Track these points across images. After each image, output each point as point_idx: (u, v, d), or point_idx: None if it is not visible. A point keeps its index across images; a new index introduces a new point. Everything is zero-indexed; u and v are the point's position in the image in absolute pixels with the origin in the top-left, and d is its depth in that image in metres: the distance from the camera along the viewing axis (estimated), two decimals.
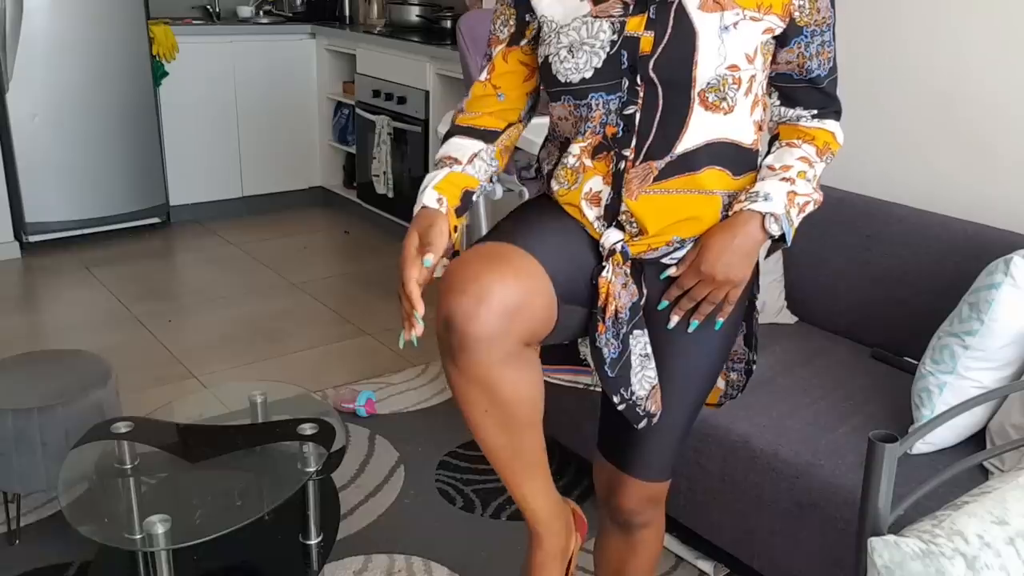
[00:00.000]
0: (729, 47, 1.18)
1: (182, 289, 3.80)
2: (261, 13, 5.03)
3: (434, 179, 1.27)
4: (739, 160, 1.27)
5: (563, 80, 1.22)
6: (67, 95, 3.98)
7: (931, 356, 1.78)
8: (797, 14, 1.23)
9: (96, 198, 4.18)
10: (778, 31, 1.23)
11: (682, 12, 1.17)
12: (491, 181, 1.35)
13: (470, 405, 1.17)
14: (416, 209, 1.25)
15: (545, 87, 1.28)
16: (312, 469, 1.82)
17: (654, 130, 1.21)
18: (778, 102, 1.34)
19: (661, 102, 1.20)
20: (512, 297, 1.12)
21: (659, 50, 1.18)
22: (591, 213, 1.27)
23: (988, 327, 1.68)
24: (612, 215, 1.26)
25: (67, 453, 1.88)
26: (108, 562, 1.88)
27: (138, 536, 1.60)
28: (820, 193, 1.31)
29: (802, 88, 1.32)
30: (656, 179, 1.23)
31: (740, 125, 1.24)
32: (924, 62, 2.25)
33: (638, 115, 1.21)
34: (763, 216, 1.24)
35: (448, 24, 4.20)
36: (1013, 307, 1.67)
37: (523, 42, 1.29)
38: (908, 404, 1.88)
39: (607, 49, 1.19)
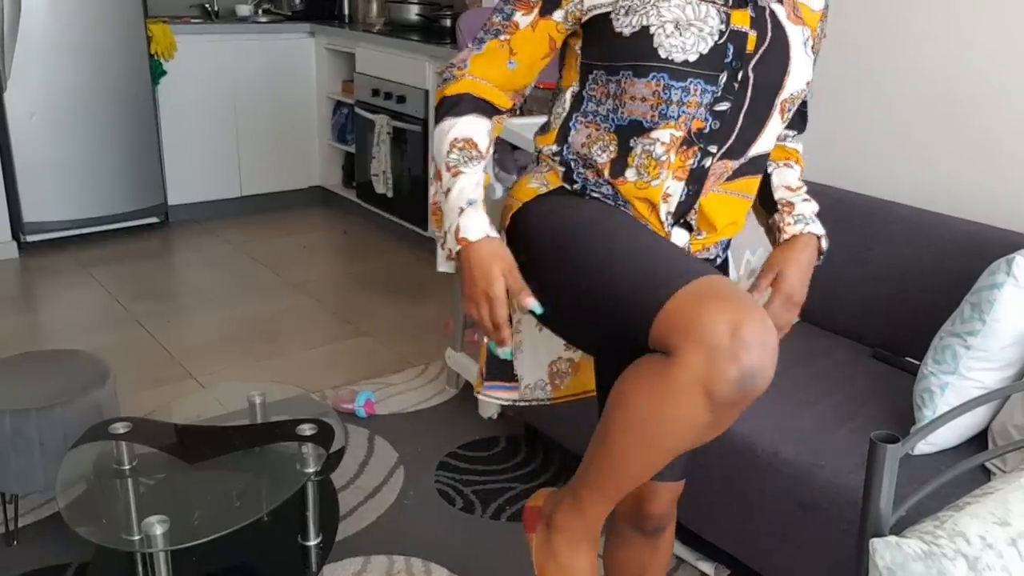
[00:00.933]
0: (807, 62, 1.22)
1: (180, 289, 3.79)
2: (260, 12, 5.02)
3: (475, 189, 1.19)
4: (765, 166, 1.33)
5: (664, 56, 1.14)
6: (65, 94, 3.98)
7: (933, 356, 1.77)
8: (815, 40, 1.26)
9: (94, 198, 4.17)
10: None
11: (775, 19, 1.18)
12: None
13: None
14: (472, 230, 1.17)
15: (629, 60, 1.16)
16: (311, 470, 1.81)
17: (738, 129, 1.20)
18: None
19: (747, 103, 1.19)
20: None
21: (760, 51, 1.17)
22: (663, 209, 1.22)
23: (990, 327, 1.68)
24: (681, 213, 1.23)
25: (65, 454, 1.87)
26: (106, 563, 1.88)
27: (136, 537, 1.59)
28: None
29: (795, 111, 1.36)
30: (729, 179, 1.24)
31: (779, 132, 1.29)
32: (925, 61, 2.25)
33: (728, 113, 1.18)
34: (818, 238, 1.32)
35: (448, 23, 4.19)
36: (1015, 307, 1.66)
37: (556, 13, 1.20)
38: (910, 405, 1.88)
39: (715, 37, 1.14)
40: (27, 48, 3.83)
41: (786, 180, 1.37)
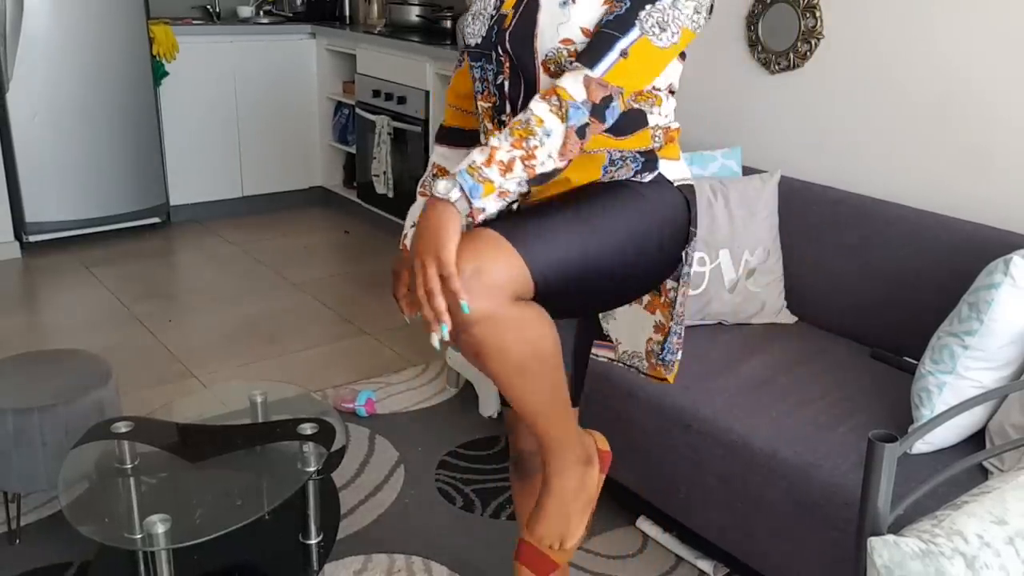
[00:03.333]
0: (567, 23, 1.25)
1: (182, 289, 3.80)
2: (261, 13, 5.03)
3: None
4: (628, 122, 1.34)
5: (467, 43, 1.37)
6: (67, 95, 3.98)
7: (931, 356, 1.78)
8: None
9: (96, 198, 4.18)
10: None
11: None
12: None
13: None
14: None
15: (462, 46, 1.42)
16: (312, 469, 1.82)
17: (521, 97, 1.33)
18: None
19: (520, 72, 1.31)
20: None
21: (511, 25, 1.30)
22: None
23: (988, 327, 1.68)
24: None
25: (67, 453, 1.88)
26: (108, 562, 1.88)
27: (138, 536, 1.60)
28: (538, 141, 1.24)
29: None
30: None
31: None
32: (923, 61, 2.25)
33: (507, 84, 1.34)
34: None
35: (448, 24, 4.20)
36: (1013, 307, 1.67)
37: None
38: (908, 404, 1.88)
39: (488, 22, 1.33)
40: (29, 49, 3.83)
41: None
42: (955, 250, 2.08)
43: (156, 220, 4.46)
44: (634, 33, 1.23)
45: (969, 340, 1.71)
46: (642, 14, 1.23)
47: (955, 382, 1.73)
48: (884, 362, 2.15)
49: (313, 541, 1.93)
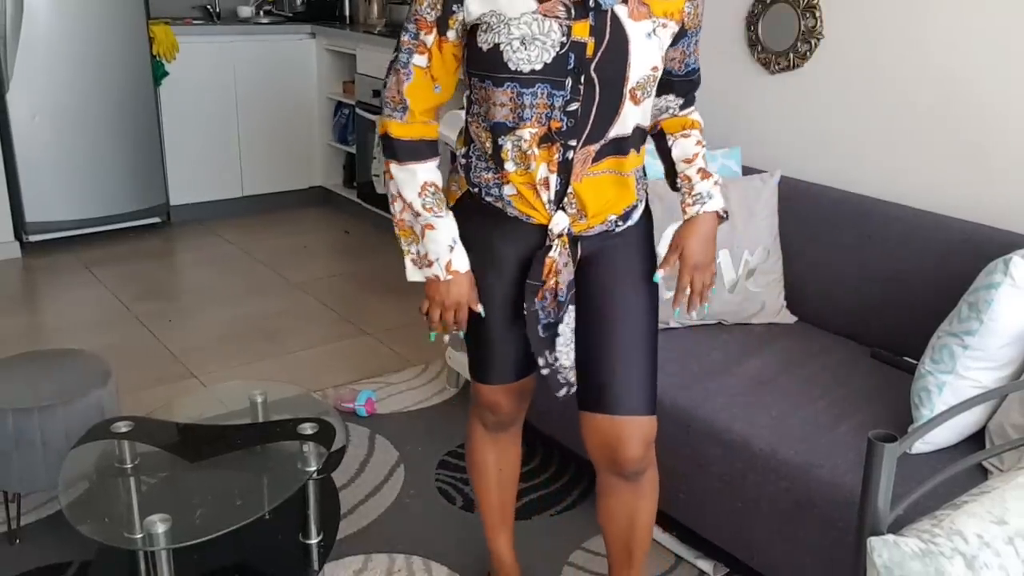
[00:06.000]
0: (653, 51, 1.41)
1: (182, 289, 3.80)
2: (261, 13, 5.03)
3: (454, 229, 1.51)
4: (642, 138, 1.53)
5: (513, 68, 1.38)
6: (67, 95, 3.98)
7: (930, 356, 1.78)
8: (686, 19, 1.47)
9: (96, 198, 4.18)
10: (674, 36, 1.46)
11: (616, 20, 1.37)
12: None
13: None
14: (461, 265, 1.51)
15: (486, 72, 1.41)
16: (312, 468, 1.82)
17: (591, 121, 1.42)
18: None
19: (598, 97, 1.40)
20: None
21: (599, 54, 1.37)
22: (544, 196, 1.46)
23: (987, 327, 1.68)
24: (559, 199, 1.46)
25: (67, 453, 1.88)
26: (108, 562, 1.88)
27: (138, 535, 1.60)
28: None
29: (679, 81, 1.57)
30: (594, 161, 1.45)
31: (646, 112, 1.49)
32: (922, 61, 2.25)
33: (579, 110, 1.40)
34: (717, 212, 1.57)
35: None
36: (1012, 307, 1.67)
37: (449, 33, 1.43)
38: (907, 404, 1.88)
39: (557, 48, 1.36)
40: (29, 49, 3.83)
41: (684, 151, 1.59)
42: (955, 250, 2.08)
43: (156, 220, 4.46)
44: None
45: (969, 340, 1.71)
46: None
47: (955, 382, 1.73)
48: (884, 362, 2.15)
49: (313, 541, 1.93)
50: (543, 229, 1.49)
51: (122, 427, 1.87)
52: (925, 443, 1.75)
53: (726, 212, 1.58)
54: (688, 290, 1.57)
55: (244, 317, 3.47)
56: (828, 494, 1.69)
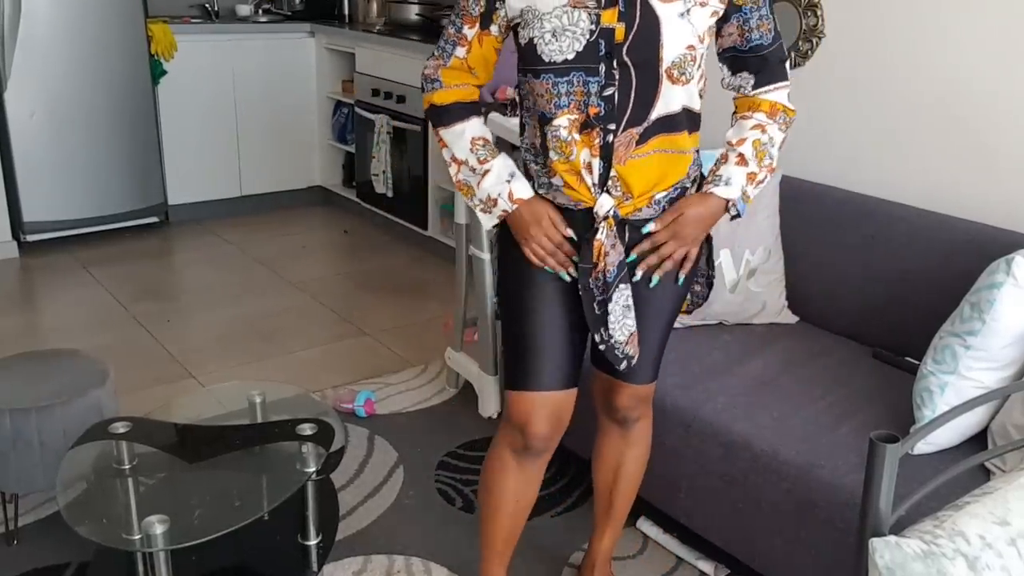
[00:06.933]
0: (686, 31, 1.42)
1: (181, 289, 3.79)
2: (260, 12, 5.02)
3: (509, 166, 1.55)
4: (693, 122, 1.53)
5: (547, 60, 1.44)
6: (65, 94, 3.98)
7: (932, 356, 1.77)
8: None
9: (94, 197, 4.17)
10: (721, 12, 1.48)
11: (646, 4, 1.40)
12: None
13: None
14: (521, 192, 1.54)
15: (527, 66, 1.48)
16: (311, 469, 1.81)
17: (631, 104, 1.44)
18: (728, 71, 1.57)
19: (635, 80, 1.43)
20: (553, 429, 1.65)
21: (630, 38, 1.40)
22: (588, 180, 1.49)
23: (990, 327, 1.68)
24: (603, 182, 1.49)
25: (65, 453, 1.87)
26: (106, 562, 1.88)
27: (136, 536, 1.59)
28: (774, 159, 1.56)
29: (746, 57, 1.54)
30: (638, 143, 1.47)
31: (693, 93, 1.49)
32: (925, 60, 2.25)
33: (616, 95, 1.43)
34: (727, 200, 1.54)
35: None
36: (1015, 307, 1.66)
37: (492, 27, 1.51)
38: (909, 404, 1.88)
39: (587, 36, 1.41)
40: (27, 47, 3.82)
41: (737, 132, 1.57)
42: (957, 250, 2.07)
43: (154, 219, 4.45)
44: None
45: (971, 340, 1.70)
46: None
47: (957, 382, 1.72)
48: (886, 362, 2.14)
49: (312, 542, 1.93)
50: (591, 214, 1.51)
51: (120, 428, 1.87)
52: (927, 444, 1.75)
53: (735, 206, 1.54)
54: (660, 253, 1.55)
55: (243, 317, 3.46)
56: (829, 495, 1.69)
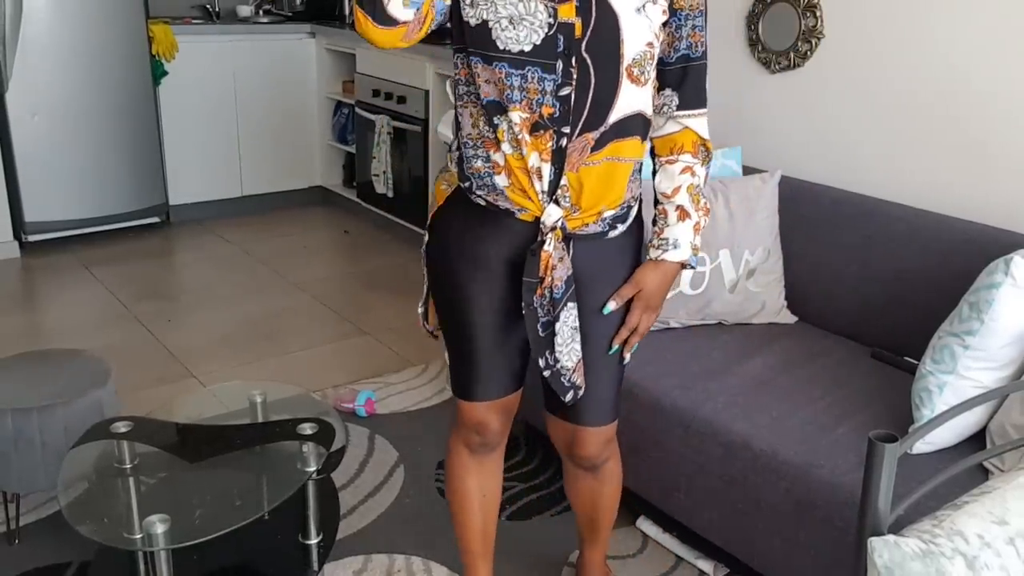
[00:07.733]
0: (644, 26, 1.35)
1: (182, 288, 3.80)
2: (261, 12, 5.03)
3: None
4: (646, 129, 1.45)
5: (502, 47, 1.33)
6: (66, 94, 3.98)
7: (931, 356, 1.78)
8: None
9: (96, 197, 4.17)
10: (667, 14, 1.40)
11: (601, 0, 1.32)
12: None
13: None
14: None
15: (477, 49, 1.36)
16: (312, 469, 1.82)
17: (587, 106, 1.35)
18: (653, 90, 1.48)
19: (593, 79, 1.34)
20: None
21: (589, 33, 1.32)
22: (538, 186, 1.39)
23: (988, 327, 1.68)
24: (552, 190, 1.40)
25: (66, 453, 1.88)
26: (107, 562, 1.88)
27: (138, 536, 1.60)
28: (706, 198, 1.53)
29: (671, 70, 1.45)
30: (593, 149, 1.39)
31: (648, 97, 1.42)
32: (923, 60, 2.25)
33: (573, 95, 1.34)
34: (680, 262, 1.51)
35: (448, 24, 4.18)
36: (1013, 307, 1.67)
37: None
38: (908, 404, 1.88)
39: (545, 29, 1.32)
40: (29, 48, 3.83)
41: (664, 181, 1.51)
42: (955, 250, 2.07)
43: (155, 220, 4.46)
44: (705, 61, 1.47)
45: (970, 340, 1.71)
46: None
47: (956, 382, 1.72)
48: (884, 362, 2.15)
49: (313, 541, 1.93)
50: (533, 227, 1.43)
51: (121, 427, 1.87)
52: (926, 443, 1.75)
53: (691, 263, 1.52)
54: (633, 328, 1.53)
55: (244, 317, 3.47)
56: (828, 494, 1.69)
